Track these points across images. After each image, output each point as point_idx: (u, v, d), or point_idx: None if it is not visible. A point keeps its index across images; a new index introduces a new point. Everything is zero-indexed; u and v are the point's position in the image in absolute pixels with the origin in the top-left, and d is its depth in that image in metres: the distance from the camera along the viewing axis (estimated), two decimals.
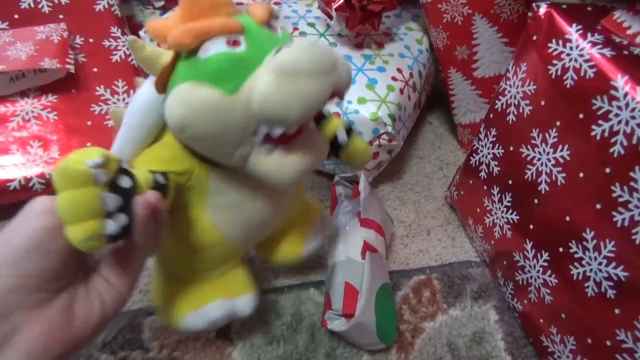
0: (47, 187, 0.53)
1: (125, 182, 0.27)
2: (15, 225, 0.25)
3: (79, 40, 0.61)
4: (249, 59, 0.30)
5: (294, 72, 0.28)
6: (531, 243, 0.46)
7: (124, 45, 0.62)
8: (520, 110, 0.45)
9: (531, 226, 0.46)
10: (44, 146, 0.54)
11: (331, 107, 0.57)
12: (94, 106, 0.58)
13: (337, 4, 0.57)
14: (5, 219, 0.56)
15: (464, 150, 0.73)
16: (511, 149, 0.47)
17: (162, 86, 0.32)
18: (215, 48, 0.30)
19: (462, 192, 0.58)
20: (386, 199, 0.64)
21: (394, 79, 0.61)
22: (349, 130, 0.45)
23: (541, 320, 0.46)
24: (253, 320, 0.50)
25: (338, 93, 0.31)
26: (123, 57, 0.62)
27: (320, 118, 0.44)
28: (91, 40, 0.61)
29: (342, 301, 0.45)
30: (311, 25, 0.66)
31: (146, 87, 0.34)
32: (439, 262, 0.57)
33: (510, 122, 0.47)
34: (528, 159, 0.45)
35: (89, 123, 0.57)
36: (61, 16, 0.61)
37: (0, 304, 0.23)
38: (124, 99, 0.60)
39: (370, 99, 0.57)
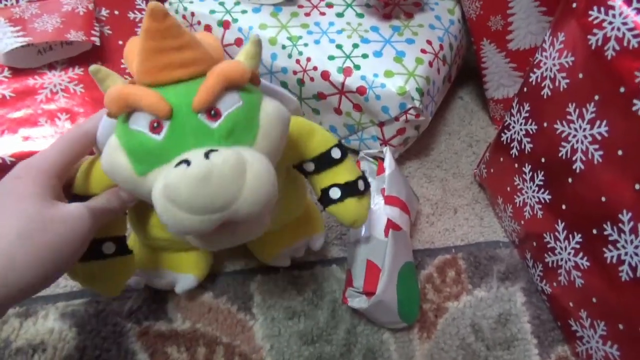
0: None
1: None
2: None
3: (104, 12, 0.61)
4: (163, 150, 0.29)
5: (172, 200, 0.27)
6: (563, 224, 0.44)
7: None
8: (556, 84, 0.43)
9: (564, 206, 0.43)
10: (71, 118, 0.55)
11: (356, 81, 0.55)
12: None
13: None
14: None
15: (495, 127, 0.70)
16: (545, 125, 0.45)
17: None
18: (139, 124, 0.29)
19: (491, 170, 0.56)
20: (413, 176, 0.63)
21: (423, 51, 0.58)
22: (353, 187, 0.40)
23: (570, 304, 0.44)
24: (274, 295, 0.50)
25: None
26: None
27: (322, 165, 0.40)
28: (116, 12, 0.61)
29: (363, 279, 0.45)
30: None
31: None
32: (465, 241, 0.56)
33: (545, 97, 0.44)
34: (563, 135, 0.42)
35: None
36: None
37: None
38: None
39: (398, 72, 0.55)
